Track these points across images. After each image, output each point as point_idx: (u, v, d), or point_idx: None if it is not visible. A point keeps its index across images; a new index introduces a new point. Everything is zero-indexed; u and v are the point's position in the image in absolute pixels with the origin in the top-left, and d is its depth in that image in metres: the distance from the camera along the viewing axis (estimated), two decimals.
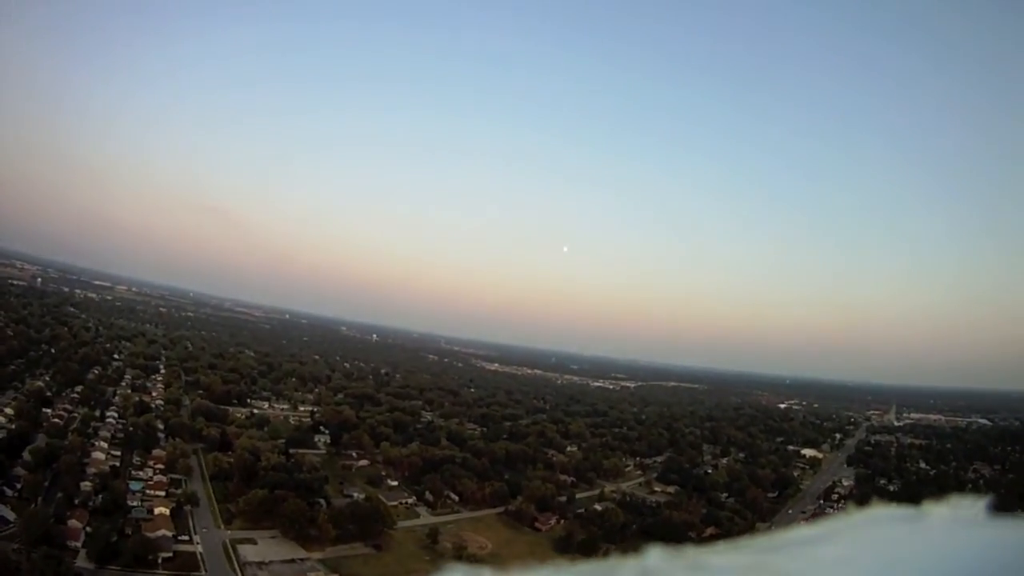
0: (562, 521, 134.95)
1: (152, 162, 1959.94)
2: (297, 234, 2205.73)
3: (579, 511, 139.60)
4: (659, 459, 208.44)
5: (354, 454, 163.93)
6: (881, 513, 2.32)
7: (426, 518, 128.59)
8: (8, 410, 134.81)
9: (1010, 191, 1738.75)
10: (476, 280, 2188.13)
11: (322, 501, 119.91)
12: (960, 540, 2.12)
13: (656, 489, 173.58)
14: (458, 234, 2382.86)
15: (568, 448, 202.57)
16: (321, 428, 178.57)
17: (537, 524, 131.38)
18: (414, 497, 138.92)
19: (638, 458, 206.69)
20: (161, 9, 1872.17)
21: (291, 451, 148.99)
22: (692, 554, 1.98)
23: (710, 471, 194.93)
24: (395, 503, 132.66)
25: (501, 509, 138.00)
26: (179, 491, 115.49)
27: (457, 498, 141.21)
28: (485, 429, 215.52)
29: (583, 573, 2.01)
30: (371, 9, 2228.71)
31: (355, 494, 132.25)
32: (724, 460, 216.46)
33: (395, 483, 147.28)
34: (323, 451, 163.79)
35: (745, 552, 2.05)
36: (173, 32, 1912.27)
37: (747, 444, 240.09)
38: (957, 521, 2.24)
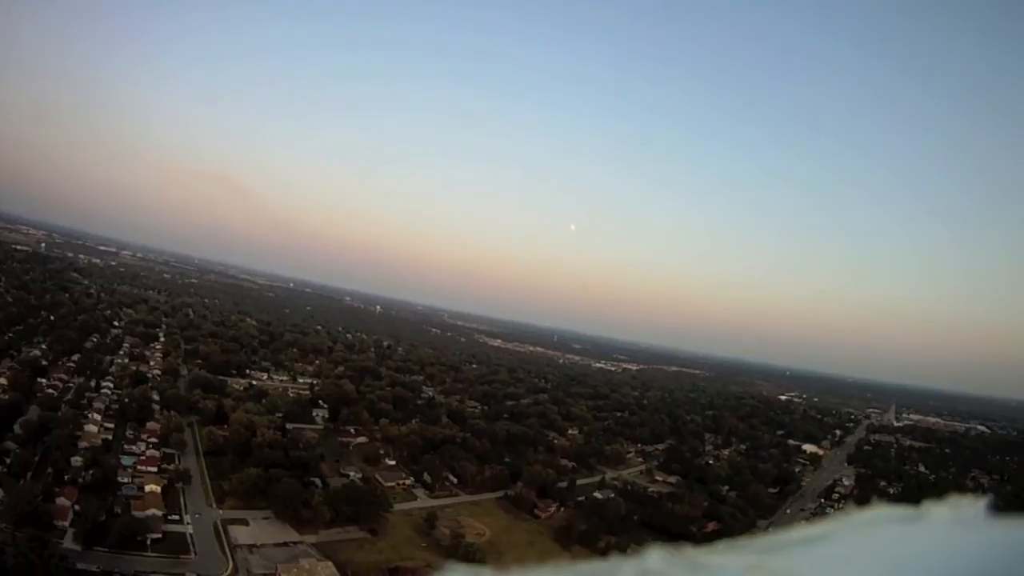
0: (562, 509, 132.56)
1: (161, 130, 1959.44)
2: (304, 203, 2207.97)
3: (580, 499, 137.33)
4: (660, 446, 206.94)
5: (352, 430, 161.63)
6: (881, 513, 2.32)
7: (424, 500, 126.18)
8: (1, 380, 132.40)
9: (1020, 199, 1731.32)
10: (481, 255, 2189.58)
11: (318, 481, 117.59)
12: (960, 540, 2.13)
13: (657, 478, 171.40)
14: (466, 209, 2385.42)
15: (569, 431, 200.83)
16: (320, 402, 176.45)
17: (537, 511, 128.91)
18: (412, 478, 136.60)
19: (639, 444, 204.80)
20: None
21: (288, 426, 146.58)
22: (692, 554, 1.99)
23: (711, 462, 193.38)
24: (392, 484, 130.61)
25: (501, 494, 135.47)
26: (171, 467, 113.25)
27: (456, 480, 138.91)
28: (486, 408, 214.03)
29: (583, 573, 2.00)
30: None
31: (352, 473, 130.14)
32: (726, 451, 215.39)
33: (393, 462, 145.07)
34: (321, 426, 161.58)
35: (745, 552, 2.05)
36: (187, 8, 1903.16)
37: (748, 436, 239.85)
38: (957, 521, 2.25)
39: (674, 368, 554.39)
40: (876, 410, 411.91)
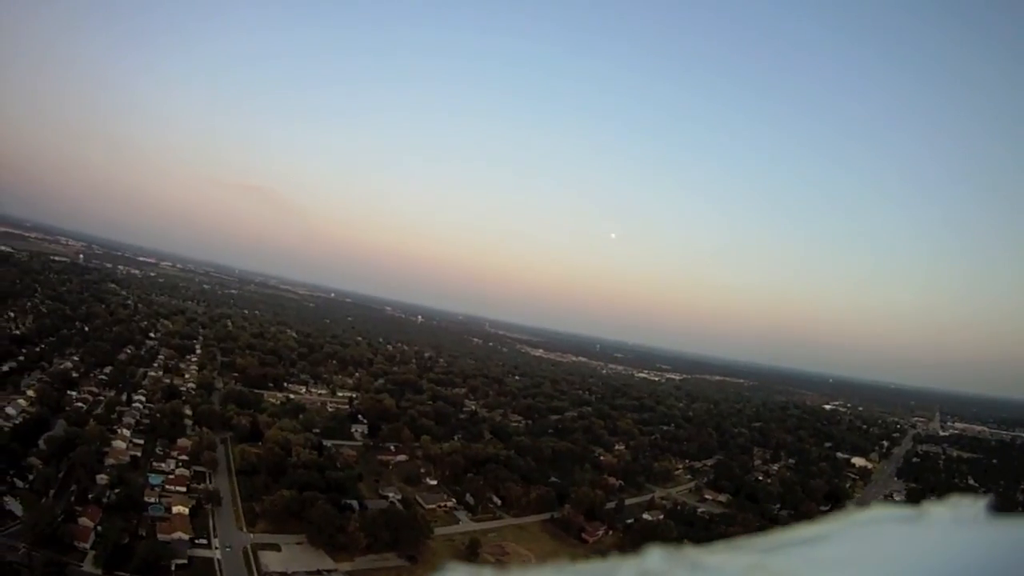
0: (611, 532, 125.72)
1: (203, 143, 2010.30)
2: (345, 214, 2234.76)
3: (628, 521, 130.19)
4: (708, 462, 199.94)
5: (392, 447, 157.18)
6: (881, 513, 2.34)
7: (466, 524, 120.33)
8: (30, 392, 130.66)
9: None
10: (524, 264, 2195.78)
11: (355, 503, 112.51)
12: (960, 540, 2.15)
13: (707, 497, 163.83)
14: (508, 219, 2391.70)
15: (616, 446, 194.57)
16: (359, 417, 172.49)
17: (584, 535, 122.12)
18: (454, 499, 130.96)
19: (687, 460, 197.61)
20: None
21: (326, 443, 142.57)
22: (692, 554, 2.01)
23: (761, 478, 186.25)
24: (433, 505, 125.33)
25: (547, 516, 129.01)
26: (201, 487, 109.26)
27: (500, 502, 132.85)
28: (530, 422, 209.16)
29: (583, 573, 2.04)
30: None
31: (391, 495, 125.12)
32: (775, 466, 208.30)
33: (434, 482, 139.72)
34: (360, 443, 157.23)
35: (745, 552, 2.08)
36: (224, 21, 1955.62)
37: (797, 449, 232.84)
38: (957, 521, 2.27)
39: (717, 377, 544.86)
40: (920, 419, 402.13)
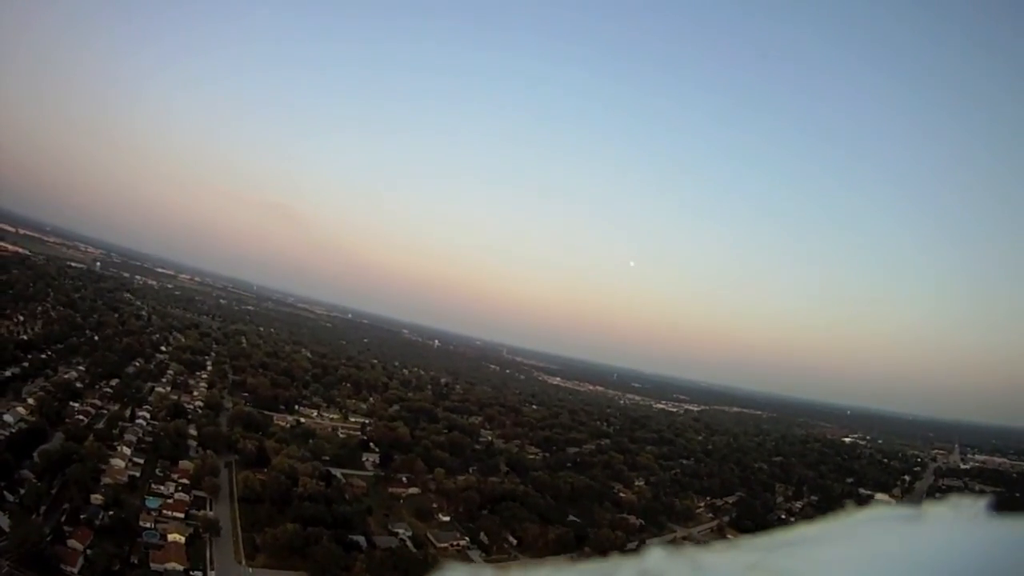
0: None
1: (224, 158, 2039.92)
2: (365, 235, 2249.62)
3: None
4: (730, 499, 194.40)
5: (404, 479, 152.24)
6: (881, 513, 2.36)
7: (479, 566, 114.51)
8: (31, 400, 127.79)
9: None
10: (541, 290, 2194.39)
11: (362, 539, 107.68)
12: (960, 540, 2.16)
13: (729, 536, 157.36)
14: (526, 244, 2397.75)
15: (636, 482, 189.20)
16: (371, 445, 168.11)
17: None
18: (467, 538, 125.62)
19: (708, 497, 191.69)
20: (240, 13, 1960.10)
21: (335, 471, 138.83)
22: (692, 554, 2.01)
23: (784, 516, 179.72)
24: (445, 544, 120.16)
25: (565, 558, 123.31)
26: (200, 513, 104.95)
27: (516, 542, 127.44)
28: (547, 455, 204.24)
29: (583, 573, 2.09)
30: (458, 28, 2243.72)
31: (401, 531, 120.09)
32: (798, 504, 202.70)
33: (447, 518, 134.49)
34: (371, 473, 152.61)
35: (745, 552, 2.09)
36: (255, 39, 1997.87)
37: (819, 485, 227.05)
38: (957, 521, 2.28)
39: (735, 409, 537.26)
40: (940, 451, 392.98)
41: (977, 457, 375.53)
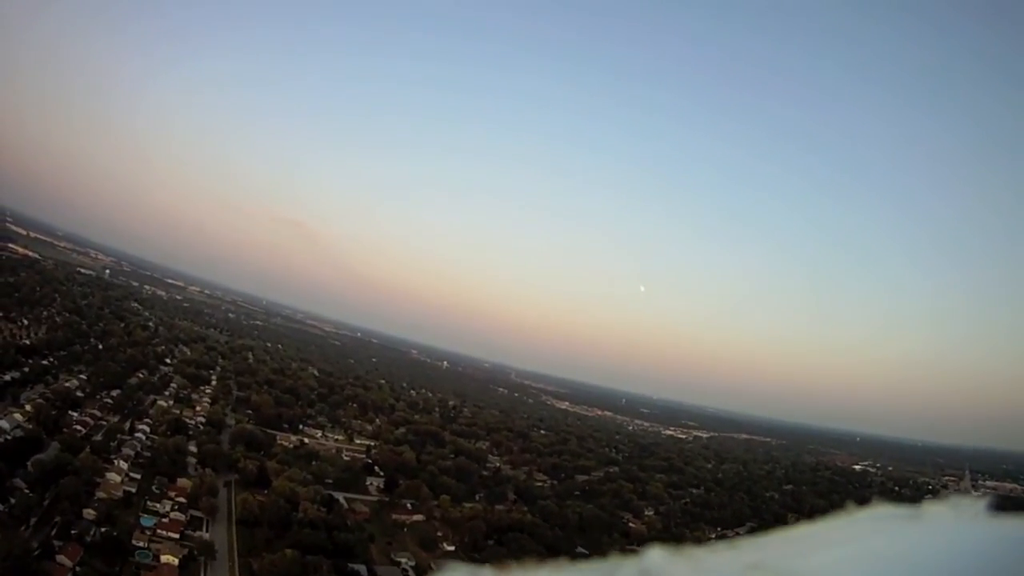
0: None
1: (241, 173, 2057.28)
2: (376, 254, 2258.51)
3: None
4: (741, 530, 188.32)
5: (409, 505, 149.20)
6: (881, 513, 2.40)
7: None
8: (28, 407, 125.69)
9: None
10: (550, 313, 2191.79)
11: (363, 569, 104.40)
12: (960, 539, 2.17)
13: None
14: (536, 267, 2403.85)
15: (646, 512, 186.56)
16: (376, 469, 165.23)
17: None
18: None
19: (719, 528, 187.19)
20: (257, 24, 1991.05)
21: (338, 495, 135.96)
22: (692, 554, 2.04)
23: None
24: None
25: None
26: (196, 534, 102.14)
27: None
28: (556, 482, 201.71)
29: (583, 573, 2.07)
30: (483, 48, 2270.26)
31: (404, 561, 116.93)
32: None
33: (452, 548, 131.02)
34: (375, 498, 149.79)
35: (745, 552, 2.11)
36: (271, 51, 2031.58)
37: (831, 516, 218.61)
38: (957, 520, 2.30)
39: (744, 436, 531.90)
40: (951, 478, 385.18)
41: (988, 483, 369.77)
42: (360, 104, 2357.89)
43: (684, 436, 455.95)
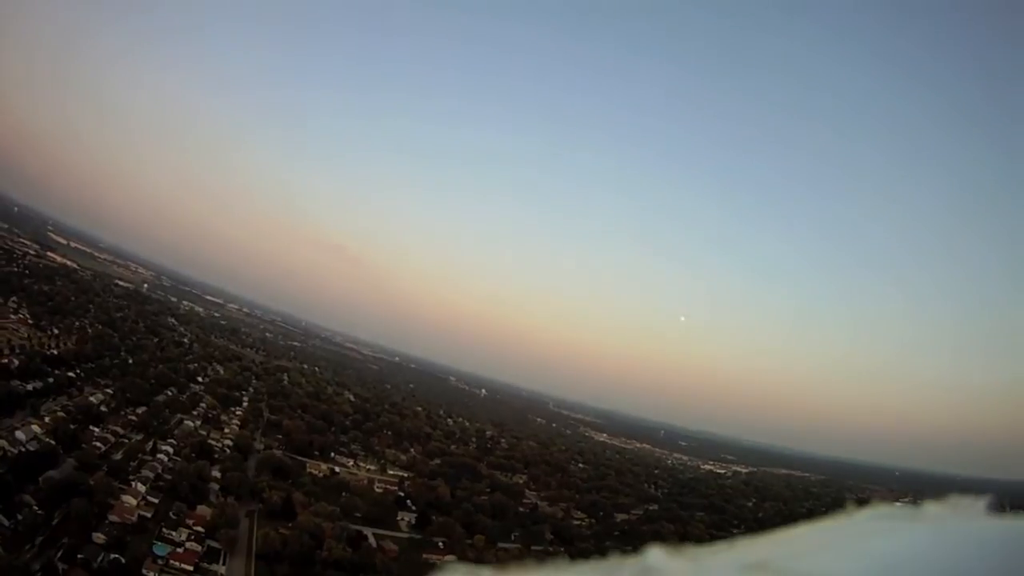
0: None
1: (287, 196, 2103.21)
2: (417, 279, 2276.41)
3: None
4: None
5: (441, 544, 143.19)
6: (881, 512, 2.45)
7: None
8: (48, 419, 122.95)
9: None
10: (588, 341, 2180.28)
11: None
12: (960, 539, 2.21)
13: None
14: (576, 296, 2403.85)
15: None
16: (408, 503, 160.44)
17: None
18: None
19: None
20: (322, 55, 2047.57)
21: (366, 530, 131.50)
22: (692, 553, 2.05)
23: None
24: None
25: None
26: (212, 567, 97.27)
27: None
28: (594, 521, 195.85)
29: (583, 573, 2.09)
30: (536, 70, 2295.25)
31: None
32: None
33: None
34: (405, 535, 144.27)
35: (745, 552, 2.13)
36: (326, 79, 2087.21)
37: None
38: (957, 520, 2.34)
39: (784, 471, 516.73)
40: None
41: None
42: (410, 139, 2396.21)
43: (723, 471, 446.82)
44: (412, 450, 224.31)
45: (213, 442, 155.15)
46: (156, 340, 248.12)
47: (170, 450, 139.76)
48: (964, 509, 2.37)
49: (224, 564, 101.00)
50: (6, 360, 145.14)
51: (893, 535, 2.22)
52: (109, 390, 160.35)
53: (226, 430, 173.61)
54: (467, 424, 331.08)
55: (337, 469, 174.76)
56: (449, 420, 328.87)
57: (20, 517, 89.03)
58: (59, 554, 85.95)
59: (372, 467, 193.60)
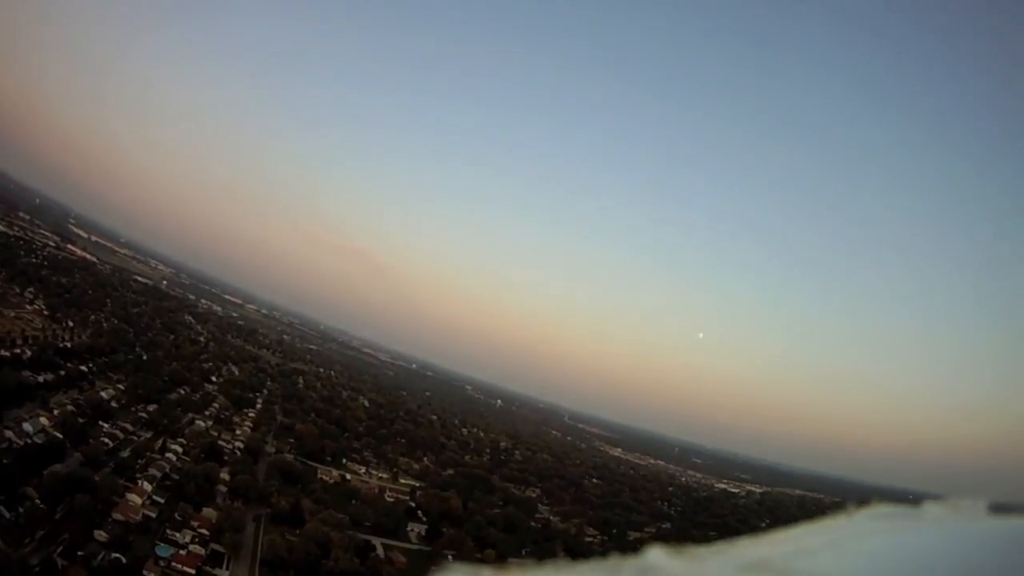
0: None
1: (311, 199, 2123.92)
2: (437, 286, 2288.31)
3: None
4: None
5: (450, 557, 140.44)
6: (881, 512, 2.44)
7: None
8: (57, 412, 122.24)
9: None
10: (605, 355, 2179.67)
11: None
12: (960, 538, 2.24)
13: None
14: (593, 309, 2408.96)
15: None
16: (419, 514, 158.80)
17: None
18: None
19: None
20: (349, 59, 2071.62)
21: (375, 540, 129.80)
22: (692, 553, 2.07)
23: None
24: None
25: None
26: (214, 571, 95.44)
27: None
28: (606, 538, 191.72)
29: (583, 573, 2.12)
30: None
31: None
32: None
33: None
34: (414, 546, 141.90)
35: (745, 552, 2.15)
36: (339, 75, 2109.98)
37: None
38: (957, 519, 2.36)
39: (797, 492, 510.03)
40: None
41: None
42: (433, 148, 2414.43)
43: (737, 490, 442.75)
44: (425, 459, 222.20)
45: (223, 443, 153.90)
46: (172, 337, 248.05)
47: (179, 450, 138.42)
48: (964, 509, 2.37)
49: (227, 569, 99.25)
50: (19, 350, 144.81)
51: (893, 535, 2.23)
52: (121, 386, 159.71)
53: (237, 432, 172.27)
54: (482, 434, 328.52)
55: (348, 476, 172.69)
56: (464, 430, 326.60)
57: (21, 510, 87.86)
58: (59, 550, 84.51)
59: (384, 475, 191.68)
